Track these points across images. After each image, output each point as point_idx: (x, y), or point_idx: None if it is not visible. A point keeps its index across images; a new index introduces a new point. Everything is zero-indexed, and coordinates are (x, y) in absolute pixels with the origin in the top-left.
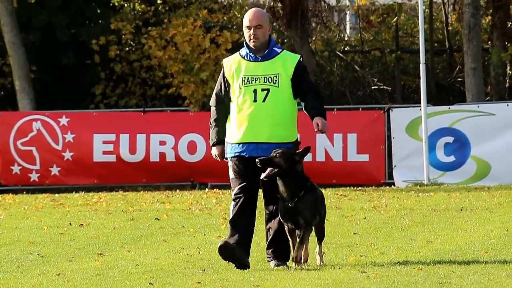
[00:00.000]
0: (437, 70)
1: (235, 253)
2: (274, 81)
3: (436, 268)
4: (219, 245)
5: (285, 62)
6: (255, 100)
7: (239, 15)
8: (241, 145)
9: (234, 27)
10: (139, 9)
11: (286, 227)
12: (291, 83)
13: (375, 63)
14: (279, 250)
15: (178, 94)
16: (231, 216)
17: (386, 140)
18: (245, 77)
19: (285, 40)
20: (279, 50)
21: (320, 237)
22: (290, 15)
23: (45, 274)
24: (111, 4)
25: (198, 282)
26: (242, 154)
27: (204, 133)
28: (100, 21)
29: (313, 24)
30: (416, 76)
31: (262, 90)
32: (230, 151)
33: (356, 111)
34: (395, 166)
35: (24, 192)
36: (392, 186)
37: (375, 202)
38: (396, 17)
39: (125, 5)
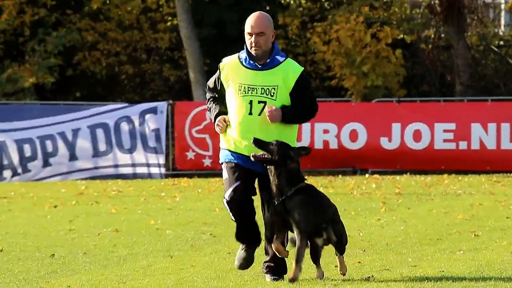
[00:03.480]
0: None
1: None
2: (272, 94)
3: None
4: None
5: (286, 74)
6: (250, 113)
7: (398, 12)
8: (235, 154)
9: (394, 23)
10: (306, 6)
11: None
12: (289, 97)
13: None
14: (276, 264)
15: (340, 85)
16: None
17: None
18: (241, 86)
19: (442, 35)
20: (281, 59)
21: (341, 250)
22: (447, 11)
23: (216, 252)
24: (277, 2)
25: (359, 262)
26: (234, 161)
27: (365, 122)
28: None
29: (469, 20)
30: None
31: (259, 102)
32: (224, 155)
33: (509, 102)
34: None
35: (197, 176)
36: None
37: None
38: None
39: (291, 2)
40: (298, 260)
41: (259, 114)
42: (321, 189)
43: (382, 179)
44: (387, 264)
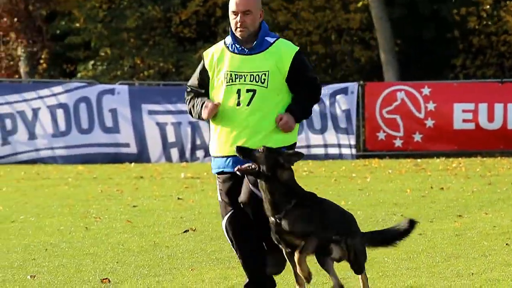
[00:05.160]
0: None
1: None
2: (263, 81)
3: None
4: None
5: (279, 57)
6: (238, 104)
7: None
8: (223, 159)
9: None
10: None
11: (283, 250)
12: (286, 83)
13: None
14: None
15: None
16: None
17: None
18: (228, 73)
19: None
20: (272, 40)
21: (358, 269)
22: None
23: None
24: None
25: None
26: (225, 169)
27: None
28: None
29: None
30: None
31: (247, 91)
32: (213, 166)
33: None
34: None
35: (388, 157)
36: None
37: None
38: None
39: None
40: (303, 251)
41: (248, 105)
42: None
43: None
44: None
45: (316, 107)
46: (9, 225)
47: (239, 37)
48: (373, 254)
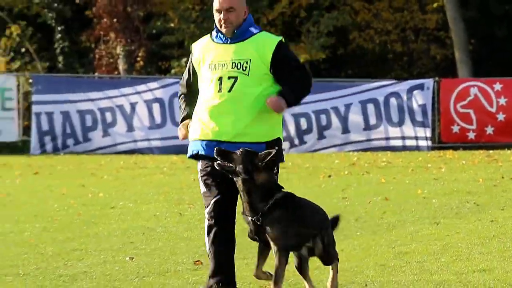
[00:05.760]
0: None
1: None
2: (244, 68)
3: None
4: None
5: (261, 46)
6: (219, 90)
7: None
8: (201, 142)
9: None
10: None
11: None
12: (271, 74)
13: None
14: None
15: None
16: (206, 245)
17: None
18: (212, 63)
19: None
20: (255, 31)
21: (327, 261)
22: None
23: (480, 220)
24: None
25: None
26: (199, 152)
27: None
28: None
29: None
30: None
31: (229, 78)
32: (190, 148)
33: None
34: None
35: (461, 149)
36: None
37: None
38: None
39: None
40: (277, 281)
41: (229, 91)
42: None
43: None
44: None
45: (394, 102)
46: (109, 210)
47: (224, 34)
48: (447, 240)
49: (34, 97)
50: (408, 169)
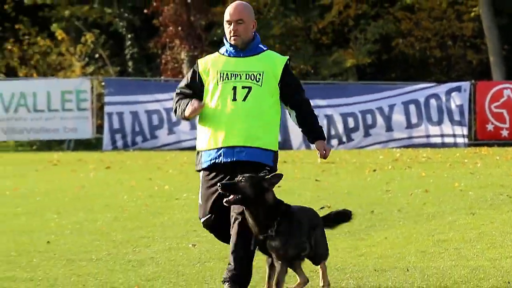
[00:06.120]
0: None
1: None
2: (258, 79)
3: None
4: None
5: (272, 61)
6: (234, 99)
7: None
8: (216, 150)
9: None
10: None
11: (266, 258)
12: (278, 87)
13: None
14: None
15: None
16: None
17: None
18: (223, 73)
19: None
20: (264, 48)
21: (316, 261)
22: None
23: None
24: None
25: None
26: (216, 161)
27: None
28: None
29: None
30: None
31: (243, 87)
32: (203, 160)
33: None
34: None
35: (496, 146)
36: None
37: None
38: None
39: None
40: (279, 286)
41: (244, 100)
42: None
43: None
44: None
45: (434, 103)
46: (174, 202)
47: (234, 44)
48: (482, 229)
49: (106, 99)
50: (446, 164)
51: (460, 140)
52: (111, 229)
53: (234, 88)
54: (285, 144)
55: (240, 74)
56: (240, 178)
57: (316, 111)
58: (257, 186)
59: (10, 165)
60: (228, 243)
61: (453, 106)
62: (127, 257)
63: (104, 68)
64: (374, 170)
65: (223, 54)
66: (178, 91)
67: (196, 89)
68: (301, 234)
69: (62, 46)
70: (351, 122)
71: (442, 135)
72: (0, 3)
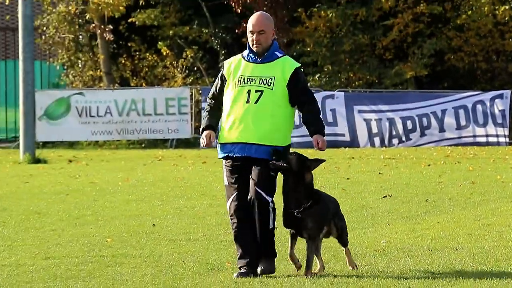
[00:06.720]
0: None
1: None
2: (269, 84)
3: None
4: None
5: (283, 67)
6: (247, 101)
7: None
8: (231, 145)
9: None
10: None
11: (289, 231)
12: (287, 89)
13: None
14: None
15: None
16: (232, 233)
17: None
18: (241, 77)
19: None
20: (280, 55)
21: (343, 243)
22: None
23: None
24: None
25: None
26: (230, 154)
27: None
28: None
29: None
30: None
31: (256, 91)
32: (221, 151)
33: None
34: None
35: None
36: None
37: None
38: None
39: None
40: (309, 265)
41: (256, 102)
42: None
43: None
44: None
45: (480, 108)
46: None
47: (255, 52)
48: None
49: (204, 104)
50: (490, 160)
51: (502, 139)
52: (206, 214)
53: (249, 91)
54: (353, 142)
55: (255, 79)
56: (291, 153)
57: (379, 115)
58: (302, 163)
59: (123, 160)
60: (244, 226)
61: (496, 110)
62: (219, 237)
63: (201, 79)
64: (429, 165)
65: (244, 58)
66: (206, 102)
67: (220, 96)
68: (326, 215)
69: (167, 60)
70: (409, 124)
71: (486, 135)
72: (115, 25)
